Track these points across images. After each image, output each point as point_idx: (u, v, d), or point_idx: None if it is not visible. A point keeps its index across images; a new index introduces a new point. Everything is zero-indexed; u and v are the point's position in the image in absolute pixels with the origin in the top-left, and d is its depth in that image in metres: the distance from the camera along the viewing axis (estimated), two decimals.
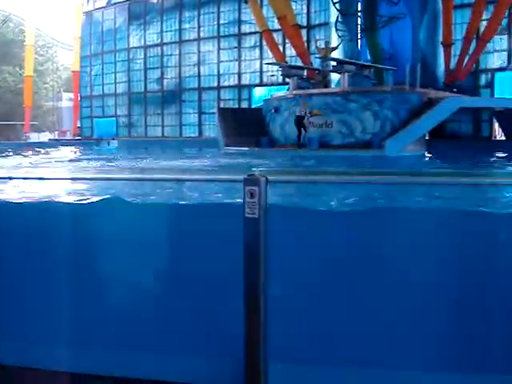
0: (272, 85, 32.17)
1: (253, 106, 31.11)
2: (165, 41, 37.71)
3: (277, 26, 28.66)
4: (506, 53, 26.09)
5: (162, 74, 37.95)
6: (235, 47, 34.61)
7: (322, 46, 25.30)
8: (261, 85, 33.63)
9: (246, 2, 29.06)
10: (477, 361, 3.36)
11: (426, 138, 21.85)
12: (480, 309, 3.37)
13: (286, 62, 27.88)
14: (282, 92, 24.47)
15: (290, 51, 29.93)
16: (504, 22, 25.19)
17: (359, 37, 26.57)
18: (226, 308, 3.43)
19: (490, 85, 26.60)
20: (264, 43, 30.99)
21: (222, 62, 35.22)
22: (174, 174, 3.64)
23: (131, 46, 39.48)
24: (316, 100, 20.50)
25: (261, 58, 33.29)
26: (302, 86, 22.63)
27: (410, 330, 3.40)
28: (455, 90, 24.59)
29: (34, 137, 51.58)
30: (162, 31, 37.81)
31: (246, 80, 34.50)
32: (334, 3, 27.33)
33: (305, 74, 24.34)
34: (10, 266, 3.91)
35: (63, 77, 68.92)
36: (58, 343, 3.82)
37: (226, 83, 35.30)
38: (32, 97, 51.94)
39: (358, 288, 3.46)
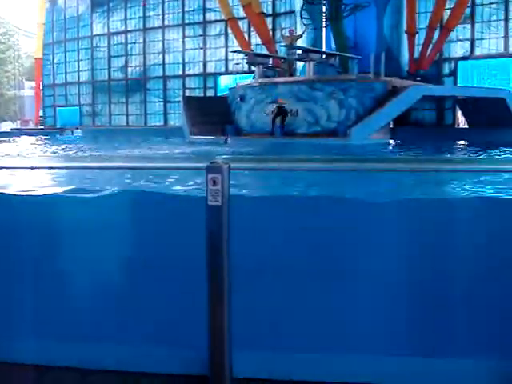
0: (237, 73, 32.09)
1: (218, 95, 31.01)
2: (129, 28, 37.27)
3: (242, 13, 28.54)
4: (468, 42, 26.45)
5: (126, 62, 37.54)
6: (200, 35, 34.39)
7: (287, 34, 25.30)
8: (226, 73, 33.51)
9: None
10: (437, 345, 3.40)
11: (391, 126, 22.05)
12: (438, 294, 3.42)
13: (252, 51, 27.81)
14: (247, 80, 24.41)
15: (256, 39, 29.85)
16: (467, 11, 25.50)
17: (324, 25, 26.60)
18: (190, 296, 3.40)
19: (453, 73, 26.95)
20: (229, 31, 30.85)
21: (187, 50, 34.97)
22: (135, 162, 3.61)
23: (95, 33, 38.94)
24: (281, 88, 20.51)
25: (226, 46, 33.16)
26: (267, 75, 22.63)
27: (370, 316, 3.42)
28: (419, 78, 24.86)
29: None
30: (125, 18, 37.36)
31: (211, 68, 34.33)
32: None
33: (270, 62, 24.31)
34: None
35: (26, 65, 67.63)
36: (20, 336, 3.76)
37: (192, 71, 35.08)
38: None
39: (320, 274, 3.47)
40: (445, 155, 14.31)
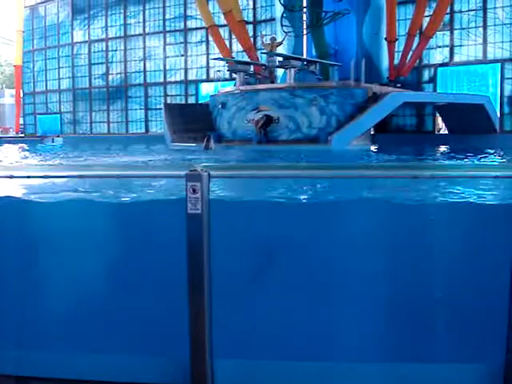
0: (219, 80, 32.05)
1: (200, 102, 30.99)
2: (109, 36, 37.12)
3: (223, 21, 28.56)
4: (448, 48, 26.67)
5: (107, 69, 37.36)
6: (181, 42, 34.34)
7: (268, 41, 25.37)
8: (208, 80, 33.47)
9: None
10: (415, 350, 3.42)
11: (372, 132, 22.18)
12: (417, 299, 3.44)
13: (233, 58, 27.83)
14: (228, 87, 24.43)
15: (237, 47, 29.88)
16: (446, 18, 25.76)
17: (305, 32, 26.71)
18: (171, 306, 3.39)
19: (433, 80, 27.16)
20: (210, 38, 30.85)
21: (168, 57, 34.89)
22: (115, 170, 3.60)
23: (75, 41, 38.70)
24: (263, 95, 20.54)
25: (207, 53, 33.14)
26: (248, 82, 22.66)
27: (352, 323, 3.44)
28: (399, 85, 25.04)
29: None
30: (106, 26, 37.20)
31: (192, 75, 34.27)
32: None
33: (251, 69, 24.34)
34: None
35: (6, 73, 67.11)
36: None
37: (173, 79, 34.99)
38: None
39: (301, 282, 3.47)
40: (422, 161, 14.41)
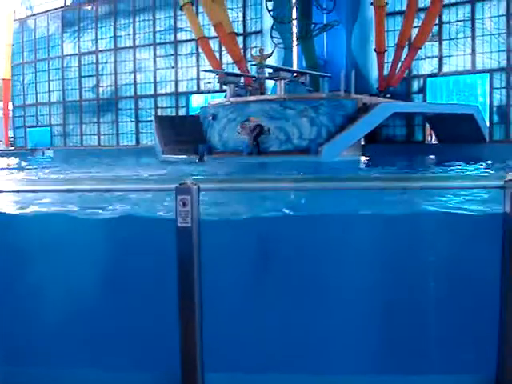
0: (209, 92, 32.16)
1: (190, 114, 31.00)
2: (100, 48, 37.14)
3: (213, 33, 28.64)
4: (437, 59, 26.86)
5: (98, 82, 37.35)
6: (171, 54, 34.40)
7: (258, 53, 25.45)
8: (198, 92, 33.54)
9: (181, 10, 28.88)
10: (409, 362, 3.41)
11: (362, 143, 22.24)
12: (410, 311, 3.44)
13: (223, 70, 27.90)
14: (219, 99, 24.47)
15: (227, 58, 29.95)
16: (435, 29, 25.95)
17: (294, 44, 26.83)
18: (161, 321, 3.37)
19: (422, 90, 27.33)
20: (200, 50, 30.92)
21: (158, 69, 34.93)
22: (105, 184, 3.59)
23: (65, 53, 38.69)
24: (253, 107, 20.58)
25: (197, 65, 33.21)
26: (239, 94, 22.69)
27: (341, 335, 3.43)
28: (389, 95, 25.18)
29: None
30: (96, 38, 37.22)
31: (183, 87, 34.32)
32: (269, 11, 27.55)
33: (242, 81, 24.40)
34: None
35: None
36: None
37: (163, 91, 35.02)
38: None
39: (293, 295, 3.47)
40: (412, 173, 14.45)
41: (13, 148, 41.26)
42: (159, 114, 33.23)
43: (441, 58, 26.75)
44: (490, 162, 17.56)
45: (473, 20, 25.78)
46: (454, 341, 3.36)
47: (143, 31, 35.37)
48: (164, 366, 3.28)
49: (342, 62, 25.72)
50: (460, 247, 3.37)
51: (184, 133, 22.21)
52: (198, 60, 33.17)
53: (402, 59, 25.76)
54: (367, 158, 20.15)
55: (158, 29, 34.79)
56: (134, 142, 35.94)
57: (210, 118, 21.95)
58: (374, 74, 26.79)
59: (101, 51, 37.13)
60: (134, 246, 3.57)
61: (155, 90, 35.18)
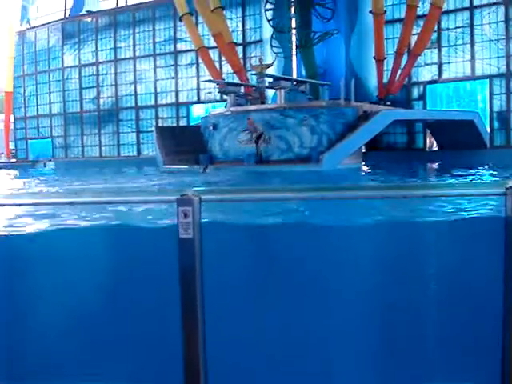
0: (210, 102, 32.21)
1: (191, 124, 31.06)
2: (100, 60, 37.26)
3: (213, 43, 28.72)
4: (436, 66, 26.91)
5: (98, 93, 37.45)
6: (172, 65, 34.50)
7: (257, 63, 25.50)
8: (198, 102, 33.61)
9: (180, 20, 28.99)
10: (411, 371, 3.40)
11: (363, 150, 22.25)
12: (412, 321, 3.42)
13: (223, 79, 27.96)
14: (219, 109, 24.51)
15: (227, 68, 30.02)
16: (434, 35, 26.00)
17: (294, 53, 26.90)
18: (164, 332, 3.36)
19: (422, 97, 27.35)
20: (200, 61, 31.01)
21: (158, 80, 35.03)
22: (106, 196, 3.59)
23: (66, 65, 38.82)
24: (254, 116, 20.60)
25: (198, 75, 33.29)
26: (239, 103, 22.74)
27: (344, 351, 3.42)
28: (389, 103, 25.20)
29: None
30: (96, 50, 37.34)
31: (183, 98, 34.40)
32: (269, 20, 27.66)
33: (242, 90, 24.45)
34: None
35: None
36: None
37: (164, 101, 35.11)
38: None
39: (296, 306, 3.46)
40: (413, 181, 14.42)
41: (15, 160, 41.32)
42: (160, 124, 33.29)
43: (440, 65, 26.80)
44: (490, 167, 17.54)
45: (471, 26, 25.84)
46: (456, 349, 3.35)
47: (143, 42, 35.50)
48: (167, 378, 3.27)
49: (341, 70, 25.78)
50: (461, 254, 3.36)
51: (184, 143, 22.25)
52: (198, 70, 33.25)
53: (402, 66, 25.78)
54: (368, 166, 20.14)
55: (157, 39, 34.92)
56: (135, 153, 35.99)
57: (211, 127, 21.99)
58: (374, 81, 26.83)
59: (101, 62, 37.25)
60: (134, 257, 3.57)
61: (156, 100, 35.26)
